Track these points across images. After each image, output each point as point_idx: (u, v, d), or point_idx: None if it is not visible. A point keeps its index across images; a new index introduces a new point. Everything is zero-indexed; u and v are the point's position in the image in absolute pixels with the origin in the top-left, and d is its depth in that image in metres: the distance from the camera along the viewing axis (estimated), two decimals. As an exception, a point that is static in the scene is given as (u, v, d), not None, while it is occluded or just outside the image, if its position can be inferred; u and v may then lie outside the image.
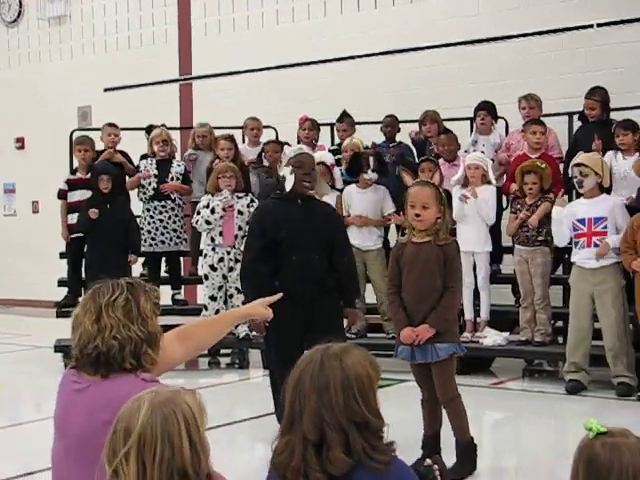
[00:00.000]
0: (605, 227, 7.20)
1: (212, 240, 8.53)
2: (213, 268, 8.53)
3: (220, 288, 8.58)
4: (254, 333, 8.35)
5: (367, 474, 2.24)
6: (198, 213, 8.50)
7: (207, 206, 8.41)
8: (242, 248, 8.47)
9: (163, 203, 9.30)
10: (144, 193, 9.31)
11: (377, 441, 2.25)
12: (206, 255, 8.61)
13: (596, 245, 7.20)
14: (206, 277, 8.60)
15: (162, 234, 9.28)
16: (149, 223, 9.28)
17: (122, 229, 8.91)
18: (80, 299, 2.84)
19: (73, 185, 9.48)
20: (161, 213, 9.29)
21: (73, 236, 9.41)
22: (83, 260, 9.38)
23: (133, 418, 2.09)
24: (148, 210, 9.30)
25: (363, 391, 2.25)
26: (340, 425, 2.22)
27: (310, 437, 2.23)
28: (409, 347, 5.17)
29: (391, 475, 2.26)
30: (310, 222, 5.85)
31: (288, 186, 5.97)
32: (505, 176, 8.53)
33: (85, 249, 9.27)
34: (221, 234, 8.48)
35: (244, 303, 7.59)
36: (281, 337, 5.69)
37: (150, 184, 9.30)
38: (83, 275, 9.36)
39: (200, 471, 2.10)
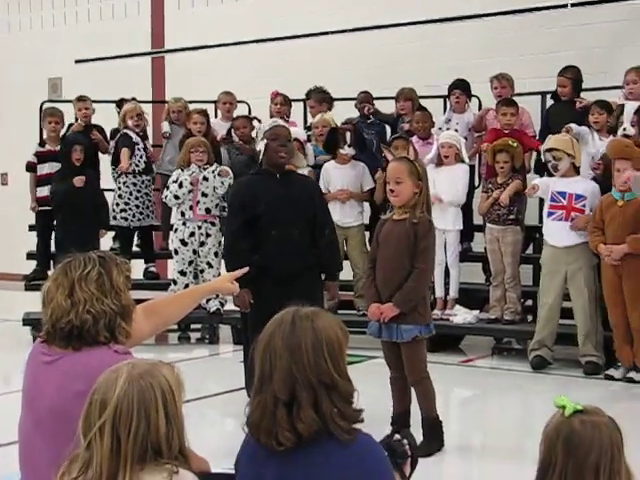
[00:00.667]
0: (584, 205, 7.26)
1: (182, 214, 8.51)
2: (184, 242, 8.50)
3: (190, 263, 8.56)
4: (225, 308, 8.38)
5: (334, 443, 2.26)
6: (167, 188, 8.48)
7: (176, 181, 8.39)
8: (214, 221, 8.51)
9: (149, 177, 9.32)
10: (137, 165, 9.20)
11: (346, 407, 2.28)
12: (177, 230, 8.58)
13: (573, 220, 7.25)
14: (176, 252, 8.58)
15: (147, 207, 9.28)
16: (137, 198, 9.20)
17: (92, 203, 8.86)
18: (50, 273, 2.82)
19: (42, 157, 9.41)
20: (147, 187, 9.30)
21: (42, 209, 9.34)
22: (52, 233, 9.33)
23: (110, 390, 2.08)
24: (135, 184, 9.20)
25: (333, 353, 2.28)
26: (310, 384, 2.24)
27: (280, 396, 2.25)
28: (377, 324, 5.21)
29: (358, 447, 2.28)
30: (289, 196, 5.80)
31: (262, 158, 5.94)
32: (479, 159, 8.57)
33: (55, 222, 9.21)
34: (191, 208, 8.46)
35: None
36: (259, 312, 5.67)
37: (142, 157, 9.23)
38: (53, 248, 9.31)
39: (174, 447, 2.10)
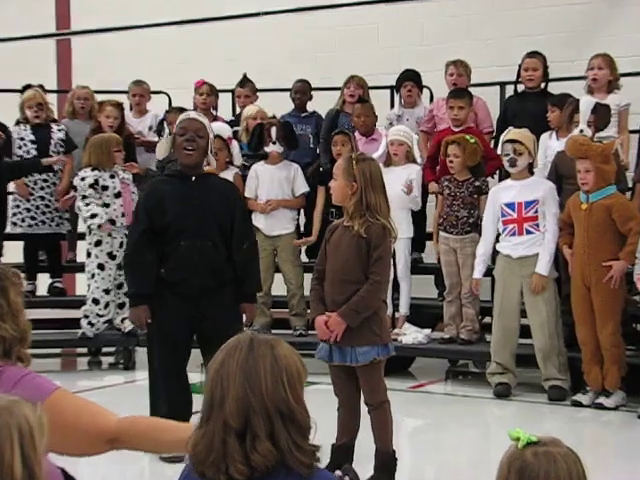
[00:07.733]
0: (536, 211, 7.31)
1: (112, 222, 8.29)
2: (111, 256, 8.35)
3: (115, 279, 8.40)
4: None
5: (290, 476, 2.26)
6: (85, 198, 8.20)
7: (96, 184, 8.17)
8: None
9: (45, 177, 8.99)
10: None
11: (302, 440, 2.28)
12: (100, 242, 8.36)
13: (528, 232, 7.31)
14: (101, 267, 8.35)
15: (43, 213, 8.98)
16: (28, 200, 8.98)
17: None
18: None
19: None
20: (42, 189, 9.01)
21: None
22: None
23: None
24: (27, 185, 8.96)
25: (292, 382, 2.30)
26: (267, 412, 2.24)
27: (232, 423, 2.24)
28: (328, 346, 5.20)
29: None
30: (203, 202, 5.73)
31: (160, 155, 5.97)
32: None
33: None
34: (123, 215, 8.25)
35: (126, 294, 7.47)
36: (164, 334, 5.64)
37: (28, 153, 8.97)
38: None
39: None
